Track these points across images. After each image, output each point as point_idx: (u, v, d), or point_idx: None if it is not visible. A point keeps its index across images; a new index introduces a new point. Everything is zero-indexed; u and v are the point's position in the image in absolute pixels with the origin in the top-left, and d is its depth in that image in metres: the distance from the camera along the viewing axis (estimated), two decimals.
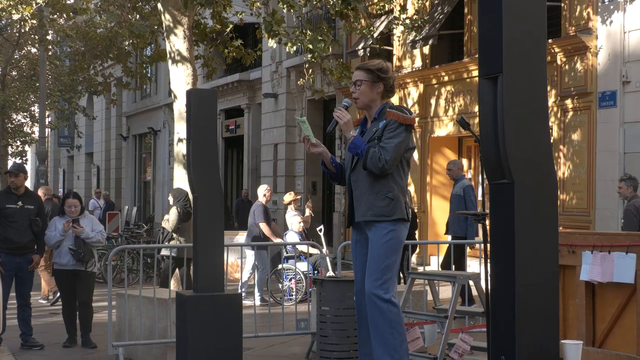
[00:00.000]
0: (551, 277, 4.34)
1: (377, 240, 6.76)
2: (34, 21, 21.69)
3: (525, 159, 4.27)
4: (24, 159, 38.24)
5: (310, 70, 20.99)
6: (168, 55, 13.84)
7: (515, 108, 4.26)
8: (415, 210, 20.28)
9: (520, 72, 4.29)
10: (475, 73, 17.85)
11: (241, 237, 17.48)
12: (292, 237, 15.48)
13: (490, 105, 4.30)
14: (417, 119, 21.09)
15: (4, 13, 19.93)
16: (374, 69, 6.95)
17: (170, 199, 13.11)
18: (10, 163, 35.86)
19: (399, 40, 22.41)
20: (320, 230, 15.29)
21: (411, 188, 21.52)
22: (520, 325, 4.25)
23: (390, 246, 6.76)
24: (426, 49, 21.30)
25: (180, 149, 13.37)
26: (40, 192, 15.34)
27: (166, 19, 13.63)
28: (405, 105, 21.73)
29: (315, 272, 14.78)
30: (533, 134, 4.31)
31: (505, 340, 4.31)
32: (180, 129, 13.28)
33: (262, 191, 15.68)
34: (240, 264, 12.32)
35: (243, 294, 13.14)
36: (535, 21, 4.38)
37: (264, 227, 14.95)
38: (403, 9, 20.02)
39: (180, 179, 13.30)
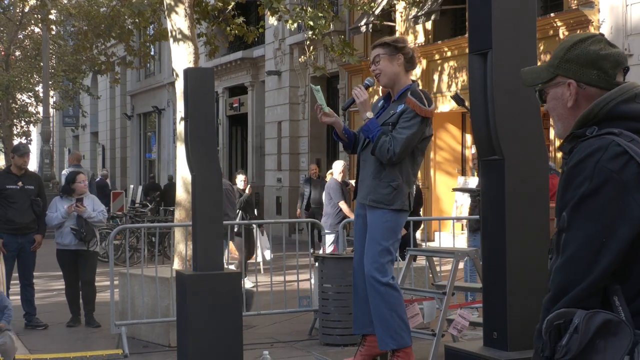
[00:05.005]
0: (542, 253, 4.34)
1: (376, 223, 6.76)
2: (34, 1, 21.66)
3: (515, 135, 4.27)
4: (29, 139, 38.29)
5: (312, 48, 20.94)
6: (169, 34, 13.78)
7: (505, 84, 4.25)
8: (420, 187, 20.30)
9: (510, 48, 4.28)
10: None
11: None
12: None
13: (480, 81, 4.29)
14: None
15: None
16: (390, 42, 6.85)
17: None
18: (15, 143, 35.94)
19: (401, 16, 22.33)
20: None
21: None
22: (511, 301, 4.26)
23: (388, 229, 6.75)
24: (428, 25, 21.23)
25: (183, 127, 13.35)
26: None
27: None
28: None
29: None
30: (523, 110, 4.30)
31: (497, 316, 4.33)
32: (182, 107, 13.25)
33: (339, 168, 15.05)
34: (242, 242, 12.35)
35: None
36: None
37: (343, 205, 14.68)
38: None
39: (184, 157, 13.29)
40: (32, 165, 42.51)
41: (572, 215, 2.48)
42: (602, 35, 2.77)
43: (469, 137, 21.23)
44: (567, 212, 2.50)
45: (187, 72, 8.09)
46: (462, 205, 18.74)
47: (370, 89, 7.43)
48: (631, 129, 2.49)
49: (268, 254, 14.10)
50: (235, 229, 12.92)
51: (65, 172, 17.99)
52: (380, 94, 7.61)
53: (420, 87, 18.67)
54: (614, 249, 2.40)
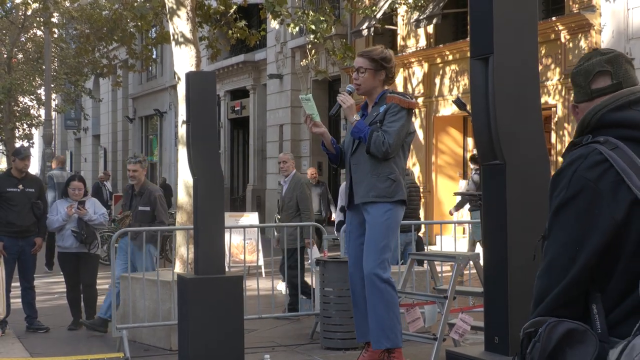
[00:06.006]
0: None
1: (375, 221, 6.80)
2: (37, 4, 21.70)
3: (516, 139, 4.26)
4: (31, 141, 38.30)
5: (313, 51, 20.96)
6: (171, 37, 13.78)
7: (507, 88, 4.25)
8: (421, 190, 20.30)
9: (511, 52, 4.28)
10: None
11: (246, 218, 17.51)
12: None
13: (481, 86, 4.30)
14: (421, 99, 21.07)
15: None
16: (377, 58, 6.97)
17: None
18: (17, 146, 35.94)
19: (402, 20, 22.34)
20: None
21: (416, 168, 21.51)
22: (512, 306, 4.25)
23: (388, 226, 6.82)
24: (430, 28, 21.24)
25: (185, 130, 13.36)
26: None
27: (169, 0, 13.58)
28: (410, 84, 21.72)
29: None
30: (524, 115, 4.30)
31: (499, 320, 4.32)
32: (184, 110, 13.24)
33: None
34: (244, 245, 12.32)
35: None
36: (527, 0, 4.37)
37: None
38: None
39: (186, 160, 13.29)
40: (34, 168, 42.51)
41: (550, 223, 2.53)
42: (595, 49, 2.83)
43: (470, 141, 21.23)
44: (548, 220, 2.56)
45: (189, 76, 8.11)
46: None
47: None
48: (622, 136, 2.50)
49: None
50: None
51: (50, 174, 18.47)
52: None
53: (422, 91, 18.50)
54: (584, 258, 2.43)
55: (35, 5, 22.86)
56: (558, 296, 2.47)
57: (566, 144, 16.92)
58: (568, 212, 2.47)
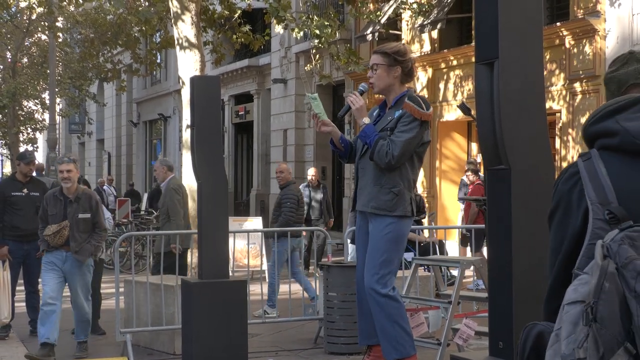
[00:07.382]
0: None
1: (377, 233, 6.66)
2: (41, 9, 21.73)
3: (521, 144, 4.26)
4: (35, 146, 38.34)
5: (318, 56, 20.98)
6: (176, 42, 13.83)
7: (512, 93, 4.25)
8: (425, 196, 20.29)
9: (516, 57, 4.28)
10: None
11: (250, 223, 17.50)
12: None
13: (486, 91, 4.29)
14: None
15: (12, 1, 19.96)
16: (390, 52, 6.74)
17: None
18: (21, 150, 35.94)
19: (407, 25, 22.35)
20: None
21: (420, 173, 21.46)
22: (517, 310, 4.25)
23: (389, 240, 6.65)
24: (434, 33, 21.23)
25: (189, 135, 13.38)
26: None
27: (174, 5, 13.62)
28: (414, 89, 21.69)
29: None
30: (529, 119, 4.30)
31: (503, 325, 4.31)
32: (188, 115, 13.28)
33: None
34: (248, 250, 12.34)
35: None
36: (532, 5, 4.37)
37: None
38: None
39: (190, 165, 13.32)
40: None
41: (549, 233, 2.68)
42: (631, 52, 2.82)
43: (474, 146, 21.21)
44: None
45: (194, 80, 8.12)
46: None
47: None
48: (601, 146, 2.55)
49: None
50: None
51: None
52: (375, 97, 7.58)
53: (426, 96, 18.40)
54: (557, 265, 2.54)
55: (39, 10, 22.91)
56: (547, 302, 2.60)
57: (570, 149, 16.91)
58: (552, 222, 2.62)
